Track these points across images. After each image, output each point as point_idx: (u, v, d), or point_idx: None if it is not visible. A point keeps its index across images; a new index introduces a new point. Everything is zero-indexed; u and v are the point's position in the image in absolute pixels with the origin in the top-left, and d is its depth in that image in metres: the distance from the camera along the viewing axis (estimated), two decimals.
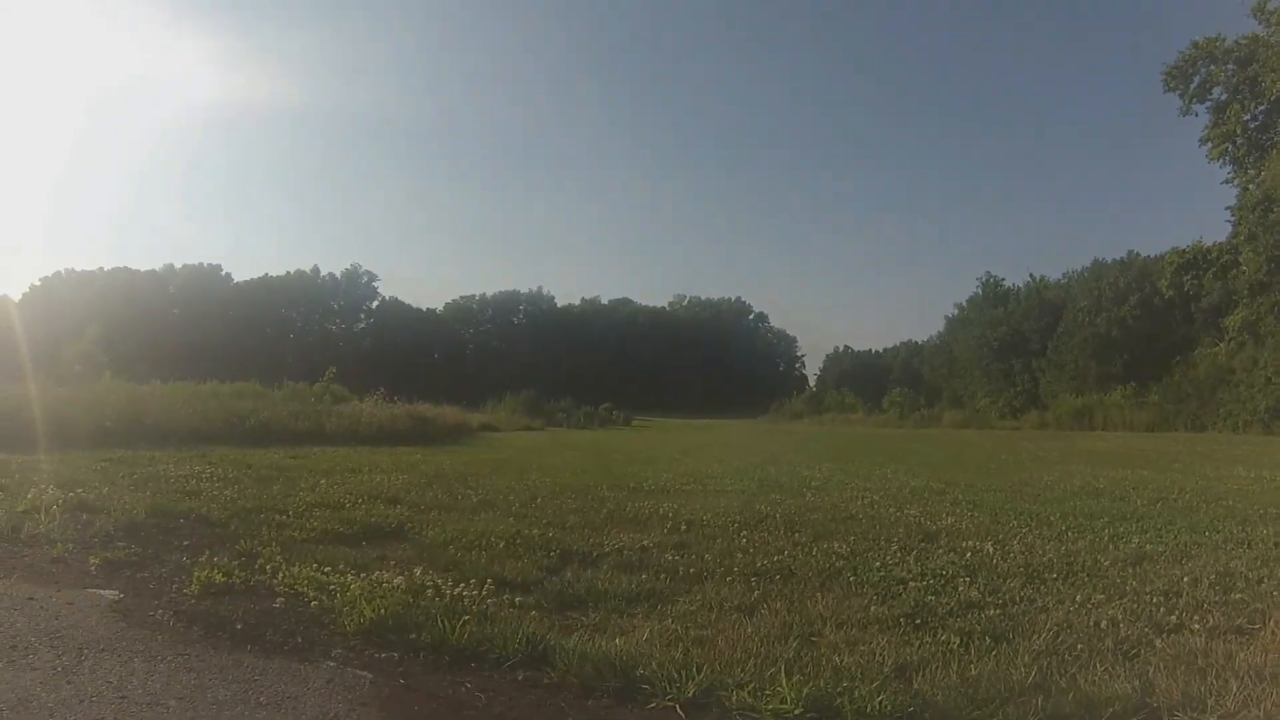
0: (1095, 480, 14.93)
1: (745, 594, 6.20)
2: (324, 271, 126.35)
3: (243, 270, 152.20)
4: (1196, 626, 5.36)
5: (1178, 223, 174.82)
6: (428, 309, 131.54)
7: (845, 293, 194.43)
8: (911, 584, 6.41)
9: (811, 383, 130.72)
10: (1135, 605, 5.84)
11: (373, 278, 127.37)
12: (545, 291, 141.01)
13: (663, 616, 5.67)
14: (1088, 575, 6.80)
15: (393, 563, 6.90)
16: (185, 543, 7.50)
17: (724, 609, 5.83)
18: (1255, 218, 47.91)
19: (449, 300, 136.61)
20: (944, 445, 31.17)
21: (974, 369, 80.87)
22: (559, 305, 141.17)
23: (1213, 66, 51.65)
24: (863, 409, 73.22)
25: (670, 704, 4.23)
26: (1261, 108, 49.56)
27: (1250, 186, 49.39)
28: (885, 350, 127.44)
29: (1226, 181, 52.88)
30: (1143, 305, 63.03)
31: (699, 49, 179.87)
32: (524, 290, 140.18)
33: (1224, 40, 51.17)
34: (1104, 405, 52.15)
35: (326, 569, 6.35)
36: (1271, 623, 5.41)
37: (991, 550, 7.75)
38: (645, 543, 8.05)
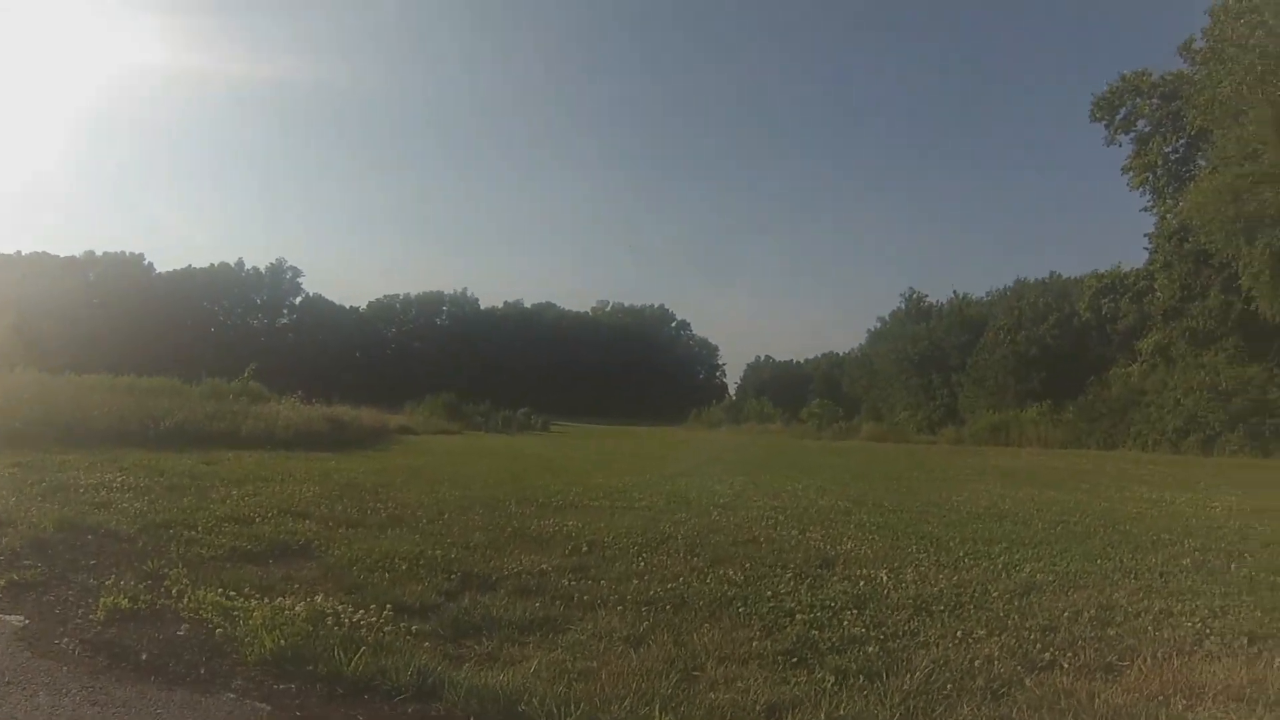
0: (1002, 501, 15.40)
1: (635, 624, 6.35)
2: (248, 265, 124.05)
3: (165, 261, 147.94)
4: (1067, 664, 5.64)
5: (1098, 247, 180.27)
6: (351, 307, 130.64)
7: (768, 303, 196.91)
8: (799, 616, 6.59)
9: (732, 391, 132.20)
10: (1014, 641, 6.11)
11: (297, 273, 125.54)
12: (469, 293, 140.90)
13: (553, 646, 5.82)
14: (975, 607, 7.06)
15: (297, 584, 6.98)
16: (93, 561, 7.47)
17: (613, 639, 5.99)
18: (1171, 246, 50.39)
19: (372, 299, 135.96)
20: (859, 459, 31.79)
21: (894, 382, 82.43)
22: (482, 308, 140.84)
23: (1139, 99, 54.34)
24: (781, 419, 74.12)
25: None
26: (1182, 141, 52.20)
27: (1168, 216, 51.98)
28: (806, 361, 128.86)
29: (1145, 210, 55.63)
30: (1061, 325, 65.07)
31: (625, 52, 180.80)
32: (448, 291, 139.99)
33: (1150, 75, 53.76)
34: (1020, 421, 53.60)
35: (232, 593, 6.39)
36: (1140, 660, 5.73)
37: (885, 579, 7.99)
38: (545, 566, 8.19)
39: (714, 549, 9.43)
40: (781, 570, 8.33)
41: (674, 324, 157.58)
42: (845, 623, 6.45)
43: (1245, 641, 6.20)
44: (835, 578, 8.12)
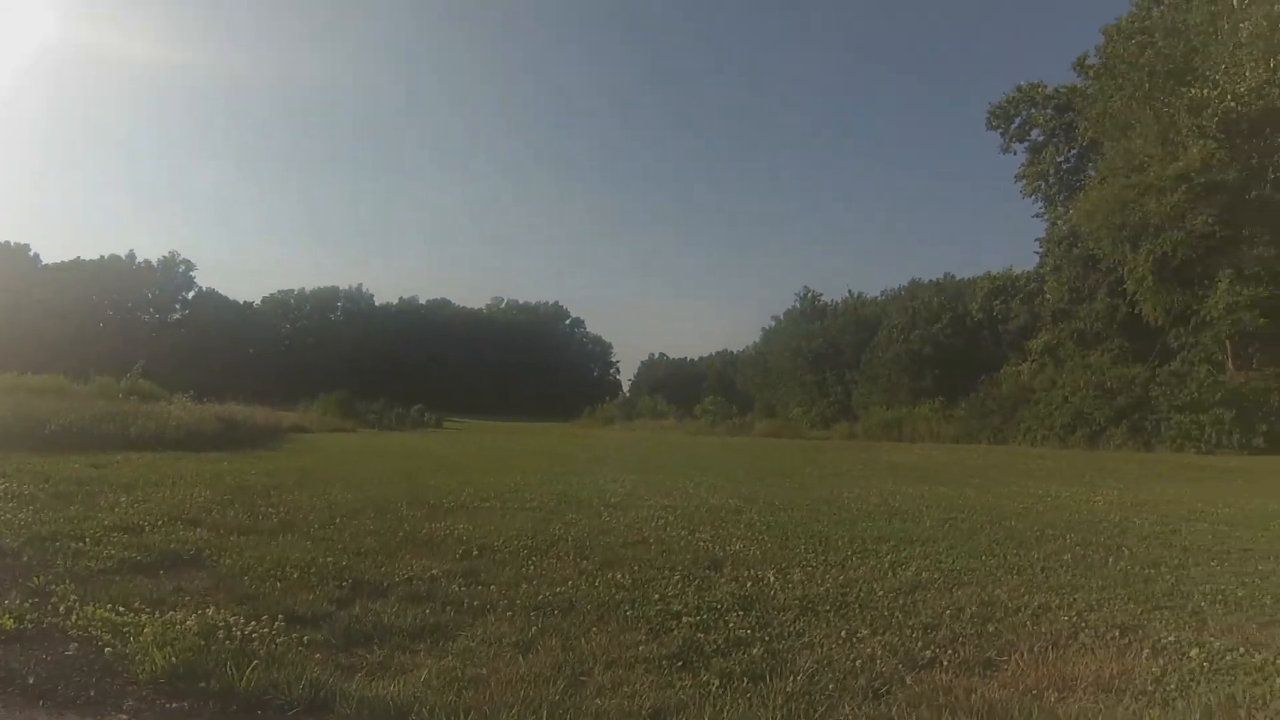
0: (892, 498, 15.68)
1: (524, 629, 6.35)
2: (140, 258, 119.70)
3: (53, 252, 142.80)
4: (947, 661, 5.78)
5: (991, 250, 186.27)
6: (245, 302, 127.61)
7: (663, 301, 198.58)
8: (685, 619, 6.61)
9: (625, 388, 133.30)
10: (896, 639, 6.23)
11: (190, 267, 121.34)
12: (364, 289, 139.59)
13: (444, 654, 5.81)
14: (860, 606, 7.16)
15: (189, 596, 6.85)
16: None
17: (502, 645, 5.99)
18: (1061, 251, 52.75)
19: (267, 294, 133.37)
20: (752, 455, 32.22)
21: (788, 379, 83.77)
22: (377, 304, 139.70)
23: (1033, 110, 56.84)
24: (675, 416, 74.74)
25: None
26: (1074, 151, 54.93)
27: (1058, 222, 54.57)
28: (700, 359, 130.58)
29: (1037, 216, 58.33)
30: (954, 324, 67.11)
31: (521, 45, 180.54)
32: (343, 287, 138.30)
33: (1045, 87, 56.30)
34: (913, 418, 55.04)
35: (121, 609, 6.20)
36: (1017, 655, 5.90)
37: (772, 579, 8.07)
38: (435, 571, 8.13)
39: (604, 551, 9.43)
40: (669, 572, 8.35)
41: (568, 321, 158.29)
42: (731, 625, 6.48)
43: (1117, 634, 6.43)
44: (723, 579, 8.17)
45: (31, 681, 5.07)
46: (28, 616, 6.06)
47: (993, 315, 64.03)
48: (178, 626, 5.63)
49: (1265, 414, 38.59)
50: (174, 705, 4.88)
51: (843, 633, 6.36)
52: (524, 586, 7.64)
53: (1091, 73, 49.96)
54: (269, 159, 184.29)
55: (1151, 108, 41.92)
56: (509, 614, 6.75)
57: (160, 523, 9.89)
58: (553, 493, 15.05)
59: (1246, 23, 40.00)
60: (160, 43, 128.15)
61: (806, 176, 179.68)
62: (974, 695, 5.11)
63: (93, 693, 4.99)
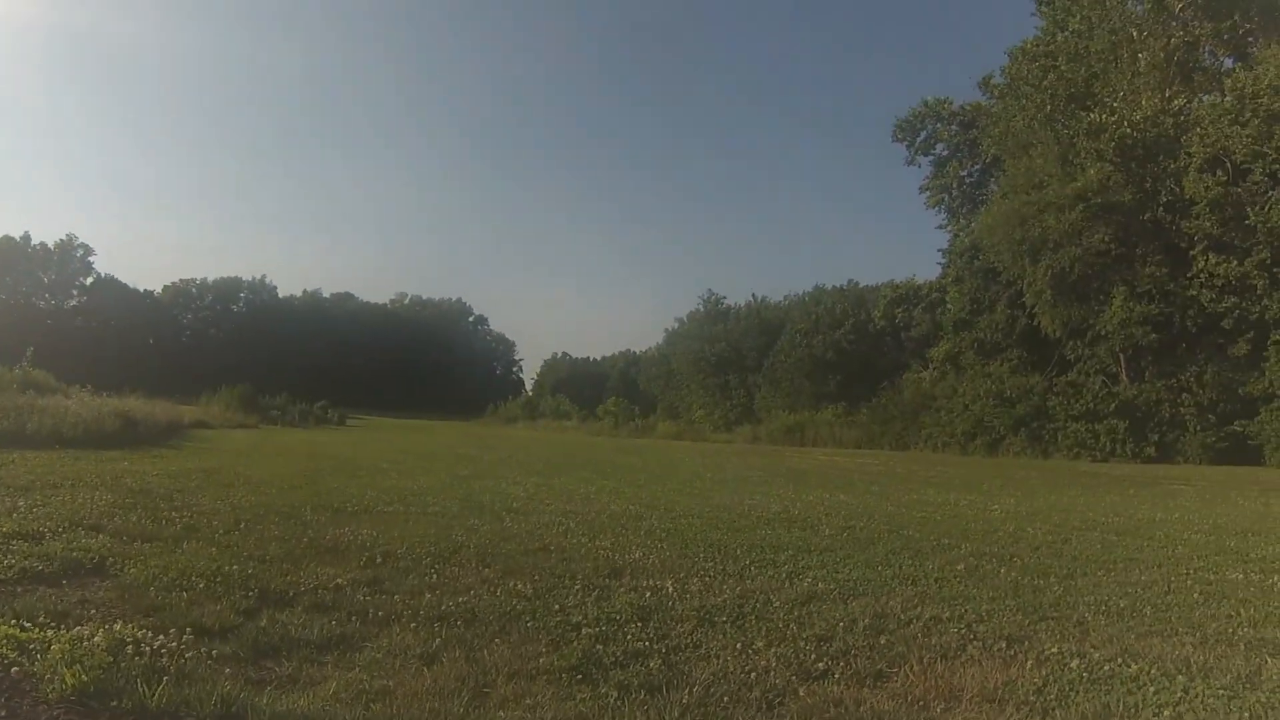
0: (792, 506, 15.98)
1: (429, 640, 6.41)
2: (35, 240, 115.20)
3: None
4: (839, 673, 5.98)
5: (894, 259, 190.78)
6: (145, 290, 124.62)
7: (567, 300, 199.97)
8: (585, 630, 6.73)
9: (529, 387, 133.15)
10: (791, 651, 6.41)
11: (89, 251, 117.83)
12: (268, 281, 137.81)
13: (351, 666, 5.88)
14: (756, 618, 7.34)
15: (94, 609, 6.76)
16: None
17: (407, 657, 6.06)
18: (963, 263, 54.51)
19: (168, 282, 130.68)
20: (653, 458, 32.44)
21: (691, 382, 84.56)
22: (280, 296, 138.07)
23: (939, 125, 58.63)
24: (578, 416, 75.04)
25: None
26: (977, 167, 57.18)
27: (961, 234, 56.32)
28: (603, 359, 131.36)
29: (940, 227, 60.21)
30: (857, 330, 68.45)
31: (440, 42, 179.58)
32: (246, 278, 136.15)
33: (951, 103, 58.14)
34: (815, 422, 56.16)
35: (26, 623, 6.08)
36: (907, 666, 6.15)
37: (671, 589, 8.24)
38: (340, 580, 8.16)
39: (505, 559, 9.53)
40: (570, 581, 8.47)
41: (471, 318, 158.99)
42: (629, 636, 6.62)
43: (1004, 645, 6.71)
44: (622, 588, 8.31)
45: None
46: None
47: (895, 323, 65.52)
48: (85, 643, 5.53)
49: (1156, 424, 40.64)
50: None
51: (739, 644, 6.52)
52: (427, 596, 7.69)
53: (996, 92, 51.89)
54: (177, 142, 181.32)
55: (1052, 129, 43.86)
56: (413, 625, 6.80)
57: (61, 529, 9.71)
58: (455, 496, 15.18)
59: (1144, 53, 42.07)
60: (71, 11, 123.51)
61: (713, 180, 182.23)
62: (863, 706, 5.33)
63: (3, 713, 4.92)
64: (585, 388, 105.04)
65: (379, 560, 9.17)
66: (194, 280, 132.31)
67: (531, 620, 7.05)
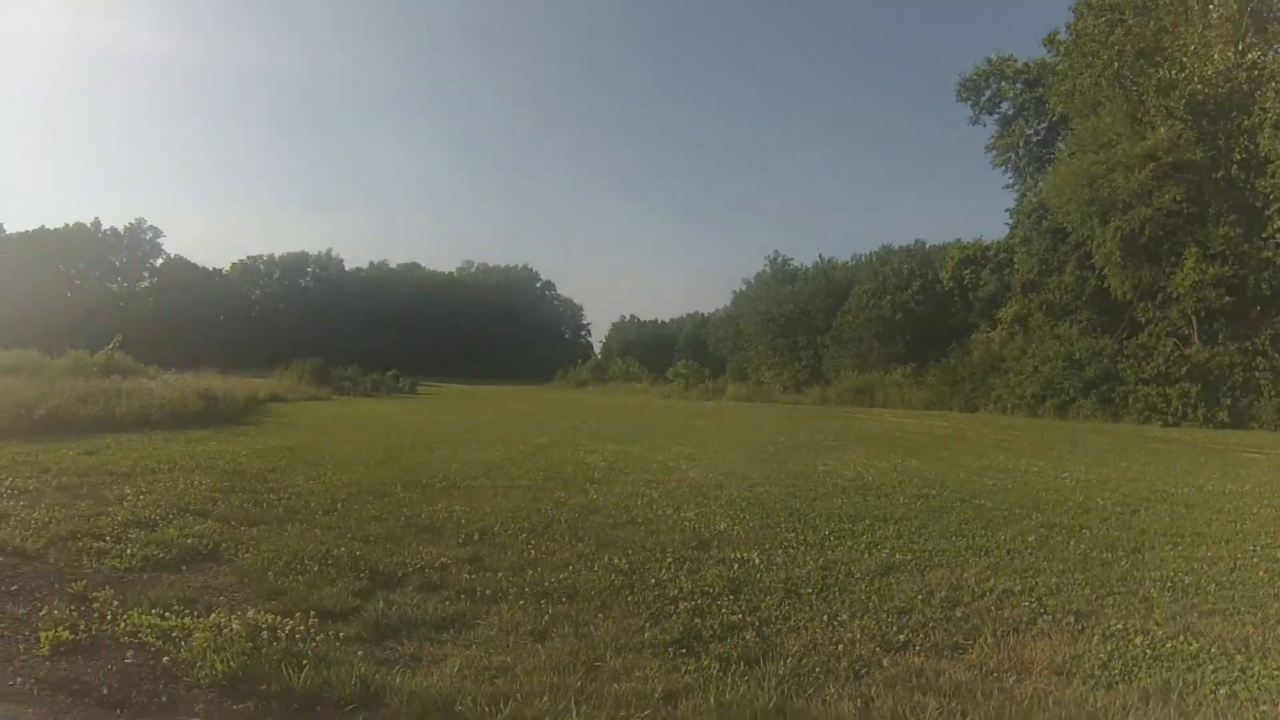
0: (866, 472, 16.35)
1: (537, 617, 6.81)
2: (105, 225, 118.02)
3: (16, 221, 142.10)
4: (919, 645, 6.40)
5: (961, 218, 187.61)
6: (214, 269, 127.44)
7: (635, 263, 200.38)
8: (682, 604, 7.16)
9: (597, 351, 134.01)
10: (873, 623, 6.83)
11: (157, 233, 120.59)
12: (334, 254, 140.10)
13: (468, 643, 6.25)
14: (839, 590, 7.75)
15: (219, 594, 7.19)
16: (14, 587, 7.22)
17: (520, 634, 6.46)
18: (1030, 223, 53.42)
19: (235, 260, 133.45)
20: (726, 421, 32.77)
21: (759, 343, 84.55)
22: (347, 269, 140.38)
23: (1003, 83, 57.47)
24: (647, 379, 75.47)
25: None
26: (1043, 125, 55.66)
27: (1028, 194, 55.12)
28: (671, 321, 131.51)
29: (1007, 187, 58.91)
30: (925, 291, 67.92)
31: (500, 11, 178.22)
32: (313, 252, 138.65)
33: (1015, 61, 56.87)
34: (884, 384, 56.04)
35: (164, 612, 6.46)
36: (981, 639, 6.55)
37: (757, 560, 8.67)
38: (443, 558, 8.54)
39: (597, 532, 9.97)
40: (661, 554, 8.87)
41: (539, 284, 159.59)
42: (724, 609, 7.02)
43: (1073, 619, 7.04)
44: (711, 561, 8.71)
45: (105, 692, 5.30)
46: (81, 627, 6.19)
47: (963, 283, 64.89)
48: (224, 630, 5.91)
49: (1229, 389, 39.69)
50: (239, 707, 5.17)
51: (825, 617, 6.93)
52: (529, 572, 8.09)
53: (1062, 48, 50.52)
54: (239, 125, 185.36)
55: (1120, 86, 42.63)
56: (520, 602, 7.20)
57: (171, 515, 10.14)
58: (538, 468, 15.70)
59: (1216, 4, 40.63)
60: (126, 20, 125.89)
61: (780, 144, 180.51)
62: (942, 678, 5.72)
63: (164, 699, 5.25)
64: (654, 350, 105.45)
65: (476, 537, 9.60)
66: (261, 257, 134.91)
67: (630, 594, 7.45)
